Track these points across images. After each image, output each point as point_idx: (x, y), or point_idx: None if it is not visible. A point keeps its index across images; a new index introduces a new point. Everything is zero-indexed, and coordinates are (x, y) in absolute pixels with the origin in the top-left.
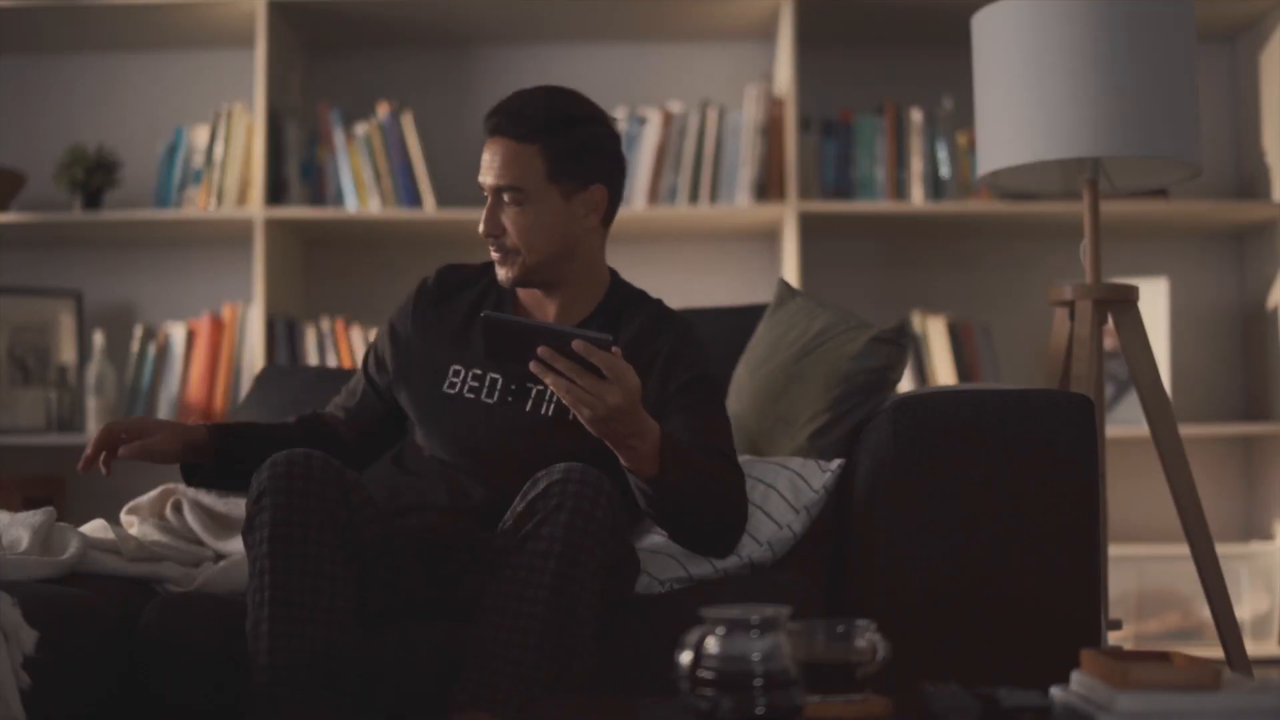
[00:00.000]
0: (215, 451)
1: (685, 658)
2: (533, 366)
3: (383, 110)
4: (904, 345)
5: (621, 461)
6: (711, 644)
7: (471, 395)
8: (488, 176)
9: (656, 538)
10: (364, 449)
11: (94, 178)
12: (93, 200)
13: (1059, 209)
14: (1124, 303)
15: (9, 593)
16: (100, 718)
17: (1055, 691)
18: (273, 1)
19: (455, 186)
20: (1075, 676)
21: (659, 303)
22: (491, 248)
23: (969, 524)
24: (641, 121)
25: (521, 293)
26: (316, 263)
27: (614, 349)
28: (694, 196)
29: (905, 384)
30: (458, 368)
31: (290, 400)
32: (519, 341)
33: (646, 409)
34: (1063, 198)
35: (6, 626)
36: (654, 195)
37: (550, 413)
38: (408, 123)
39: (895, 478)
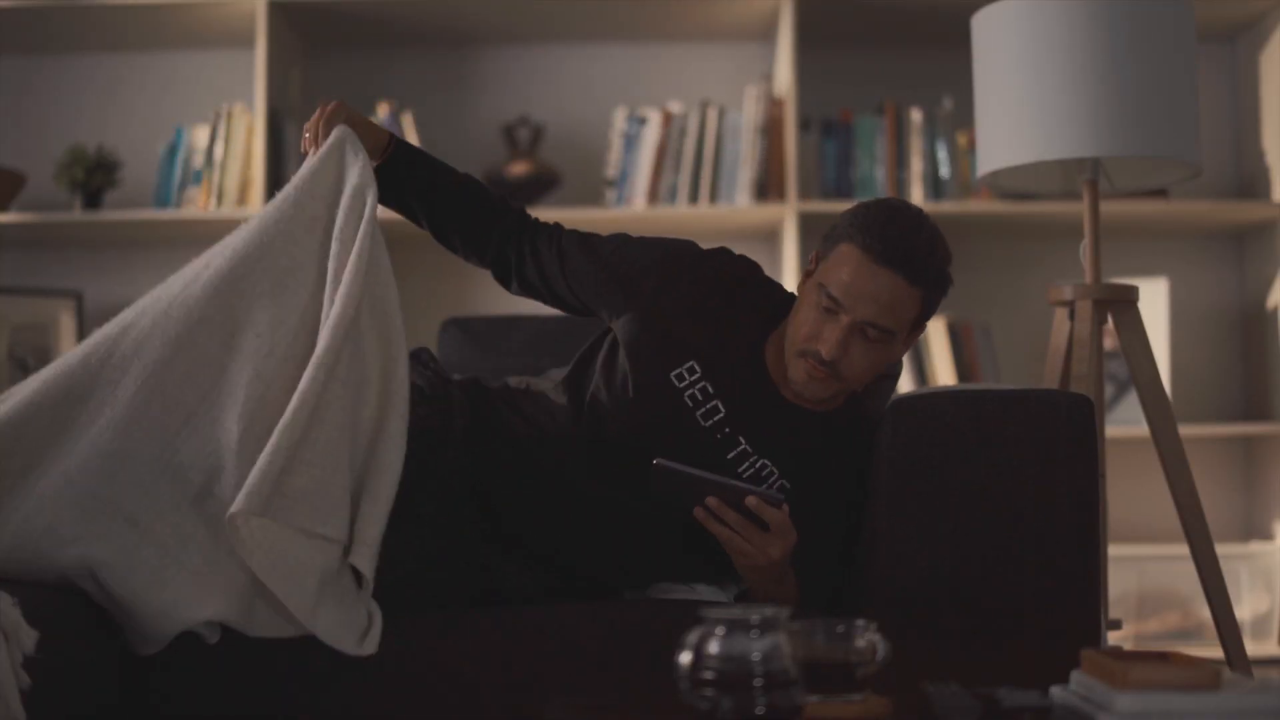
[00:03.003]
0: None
1: (685, 658)
2: (697, 513)
3: (383, 110)
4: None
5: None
6: (711, 644)
7: (690, 404)
8: (863, 308)
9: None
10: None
11: (94, 178)
12: (93, 200)
13: (1059, 209)
14: (1124, 303)
15: (9, 593)
16: (100, 718)
17: (1055, 691)
18: (273, 1)
19: None
20: (1075, 676)
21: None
22: (815, 362)
23: (969, 524)
24: (641, 121)
25: (772, 358)
26: None
27: (784, 506)
28: (694, 196)
29: (905, 384)
30: (694, 365)
31: None
32: (689, 489)
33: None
34: (1063, 198)
35: (6, 626)
36: (654, 195)
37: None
38: (408, 123)
39: (895, 478)
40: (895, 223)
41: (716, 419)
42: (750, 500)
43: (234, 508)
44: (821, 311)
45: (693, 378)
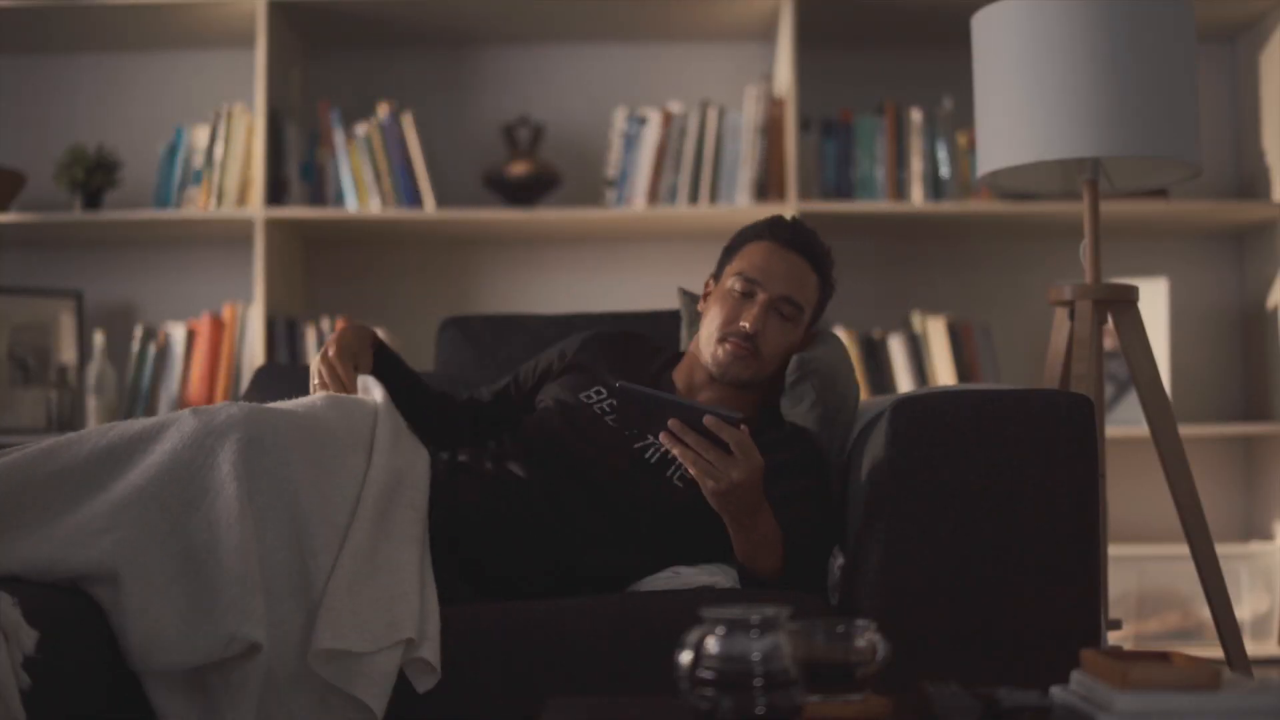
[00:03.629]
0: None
1: (685, 658)
2: (663, 437)
3: (383, 110)
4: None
5: (731, 533)
6: (711, 644)
7: (599, 413)
8: (779, 285)
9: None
10: (479, 430)
11: (94, 178)
12: (93, 200)
13: (1059, 209)
14: (1124, 303)
15: (9, 593)
16: (100, 718)
17: (1055, 691)
18: (273, 1)
19: (455, 186)
20: (1075, 676)
21: (797, 425)
22: (738, 339)
23: (969, 524)
24: (641, 121)
25: (681, 377)
26: (316, 263)
27: (742, 427)
28: (694, 196)
29: (905, 384)
30: (600, 389)
31: (290, 398)
32: (651, 413)
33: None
34: (1063, 198)
35: (6, 626)
36: (654, 195)
37: (654, 459)
38: (408, 123)
39: (895, 478)
40: (794, 223)
41: (629, 435)
42: (708, 419)
43: (325, 644)
44: (738, 299)
45: (599, 397)
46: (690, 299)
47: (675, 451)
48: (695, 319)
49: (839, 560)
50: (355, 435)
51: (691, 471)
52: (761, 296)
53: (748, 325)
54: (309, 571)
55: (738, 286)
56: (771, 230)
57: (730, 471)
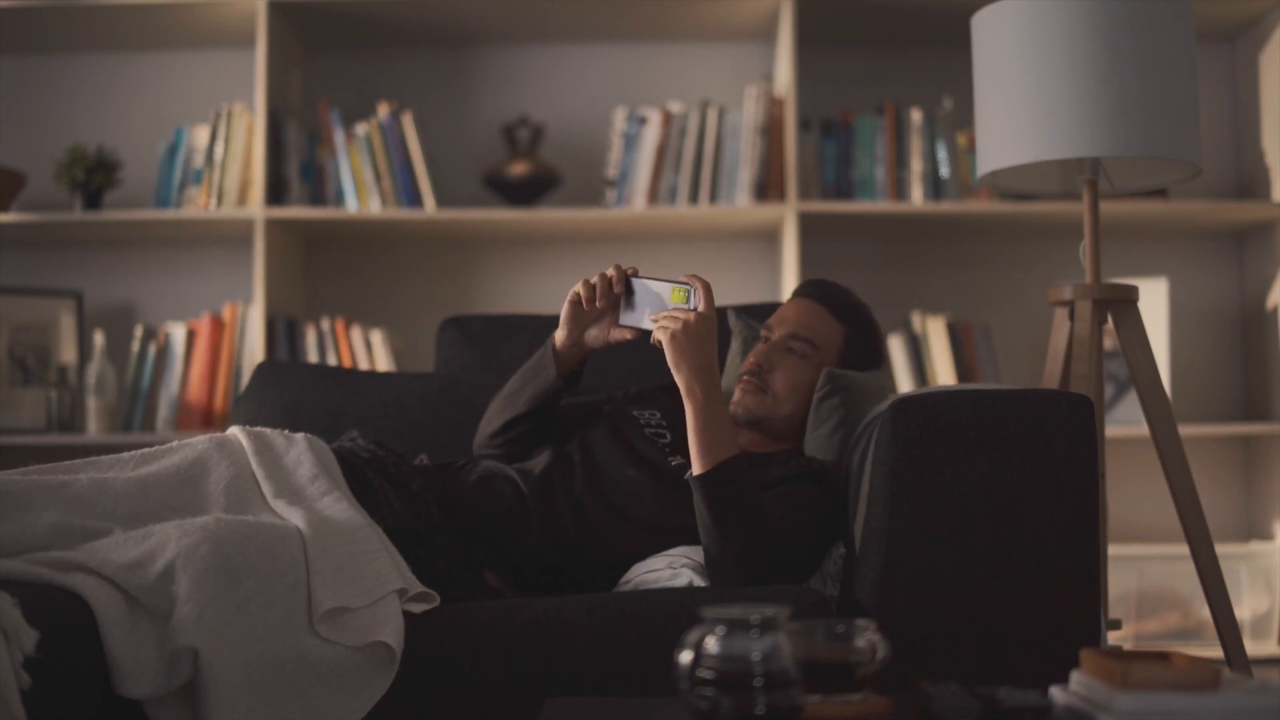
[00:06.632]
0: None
1: (685, 658)
2: (656, 330)
3: (383, 110)
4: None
5: (688, 409)
6: (711, 644)
7: (641, 423)
8: (784, 326)
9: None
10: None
11: (94, 178)
12: (93, 200)
13: (1059, 209)
14: (1124, 303)
15: (9, 593)
16: (100, 718)
17: (1055, 691)
18: (273, 1)
19: (455, 186)
20: (1075, 676)
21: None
22: (749, 376)
23: (969, 524)
24: (641, 121)
25: None
26: (316, 263)
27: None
28: (694, 196)
29: (905, 384)
30: (656, 413)
31: (291, 397)
32: (644, 300)
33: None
34: (1063, 198)
35: (6, 626)
36: (654, 195)
37: (675, 463)
38: (408, 123)
39: (895, 478)
40: (818, 280)
41: (664, 442)
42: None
43: (333, 603)
44: (759, 345)
45: (651, 417)
46: (741, 320)
47: (659, 325)
48: (743, 339)
49: (839, 549)
50: (235, 467)
51: (660, 323)
52: (772, 338)
53: (753, 359)
54: (279, 557)
55: (759, 337)
56: (795, 289)
57: (687, 315)
